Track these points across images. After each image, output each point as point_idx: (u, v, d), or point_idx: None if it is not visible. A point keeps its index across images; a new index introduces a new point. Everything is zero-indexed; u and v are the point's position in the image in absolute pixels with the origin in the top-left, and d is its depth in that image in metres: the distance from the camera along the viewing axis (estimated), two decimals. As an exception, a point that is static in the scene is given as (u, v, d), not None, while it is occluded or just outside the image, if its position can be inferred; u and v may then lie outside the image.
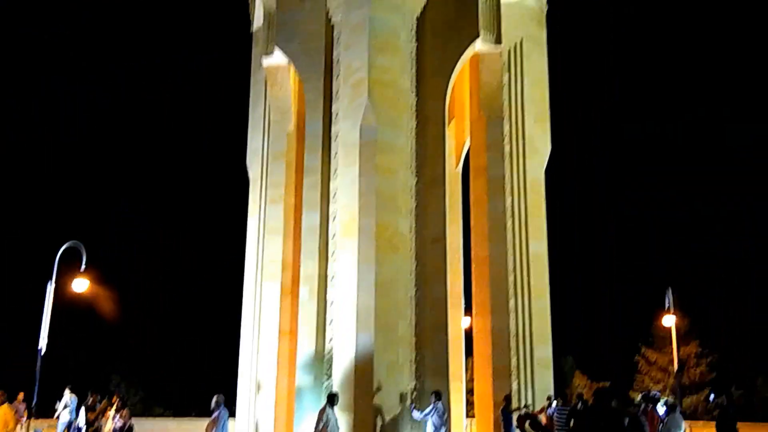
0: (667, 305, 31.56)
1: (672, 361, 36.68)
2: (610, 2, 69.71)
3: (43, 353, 22.42)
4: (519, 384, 21.98)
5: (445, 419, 18.81)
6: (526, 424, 19.97)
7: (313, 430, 16.68)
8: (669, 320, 32.44)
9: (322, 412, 16.87)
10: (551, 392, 22.23)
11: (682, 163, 62.12)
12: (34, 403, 22.54)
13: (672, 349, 34.84)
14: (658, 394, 26.13)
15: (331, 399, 17.19)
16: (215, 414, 16.12)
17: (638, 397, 20.39)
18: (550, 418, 20.10)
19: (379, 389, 19.05)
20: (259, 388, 22.20)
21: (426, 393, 19.86)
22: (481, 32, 21.80)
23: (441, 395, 18.99)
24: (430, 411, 18.75)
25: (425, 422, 18.98)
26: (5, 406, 18.71)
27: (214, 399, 16.35)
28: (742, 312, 43.78)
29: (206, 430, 16.15)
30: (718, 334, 40.57)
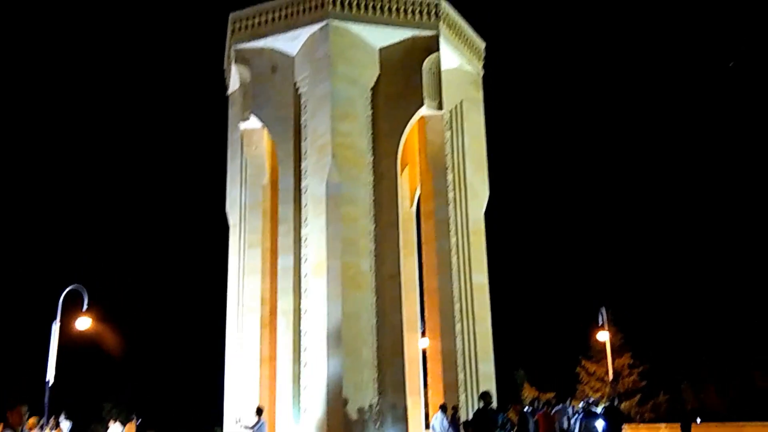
0: (600, 322, 35.75)
1: (608, 371, 40.86)
2: (536, 64, 77.25)
3: (50, 384, 25.30)
4: (466, 396, 25.77)
5: None
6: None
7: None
8: (603, 335, 36.55)
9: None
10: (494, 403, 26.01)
11: (605, 189, 68.41)
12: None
13: (607, 361, 39.03)
14: (591, 399, 30.07)
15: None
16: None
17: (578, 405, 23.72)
18: None
19: (346, 404, 22.61)
20: (243, 407, 25.51)
21: (387, 407, 23.53)
22: (426, 100, 25.87)
23: (261, 410, 21.28)
24: (256, 426, 20.76)
25: None
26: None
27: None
28: (669, 325, 48.65)
29: None
30: (647, 347, 45.24)
